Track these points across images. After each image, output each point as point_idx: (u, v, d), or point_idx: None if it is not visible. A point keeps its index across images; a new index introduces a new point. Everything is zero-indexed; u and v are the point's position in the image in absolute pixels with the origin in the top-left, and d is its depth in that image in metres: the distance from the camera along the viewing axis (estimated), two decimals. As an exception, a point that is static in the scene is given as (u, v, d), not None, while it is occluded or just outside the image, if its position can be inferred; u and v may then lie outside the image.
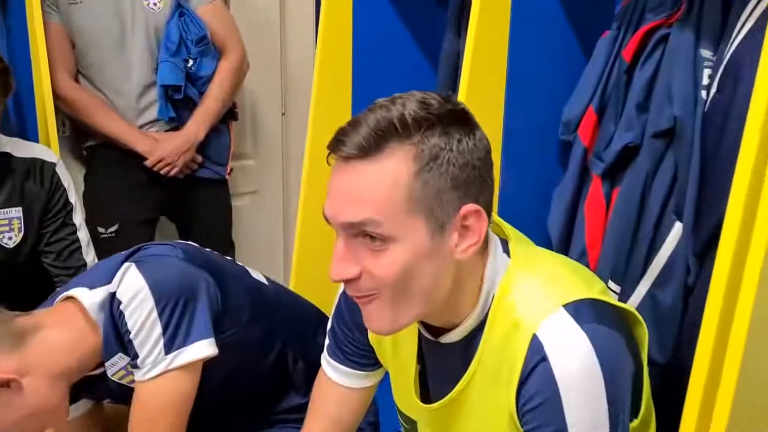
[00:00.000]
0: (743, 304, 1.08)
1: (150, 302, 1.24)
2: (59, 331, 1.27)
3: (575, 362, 0.93)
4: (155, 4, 2.16)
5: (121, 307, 1.25)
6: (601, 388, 0.93)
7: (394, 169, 0.91)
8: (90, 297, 1.27)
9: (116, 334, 1.27)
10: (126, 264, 1.27)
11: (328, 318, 1.25)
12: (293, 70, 2.73)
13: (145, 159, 2.17)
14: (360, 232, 0.93)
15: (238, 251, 2.48)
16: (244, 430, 1.48)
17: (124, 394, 1.33)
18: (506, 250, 1.03)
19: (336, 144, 0.93)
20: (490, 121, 1.59)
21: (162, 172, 2.19)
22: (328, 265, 0.97)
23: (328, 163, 0.96)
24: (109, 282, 1.27)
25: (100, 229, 2.15)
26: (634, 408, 1.04)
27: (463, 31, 1.80)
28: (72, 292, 1.30)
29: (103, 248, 2.02)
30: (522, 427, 0.98)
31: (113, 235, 2.16)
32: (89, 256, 1.90)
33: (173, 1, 2.18)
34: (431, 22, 2.00)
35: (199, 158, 2.26)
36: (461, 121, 0.95)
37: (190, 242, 1.44)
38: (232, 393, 1.42)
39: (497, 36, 1.55)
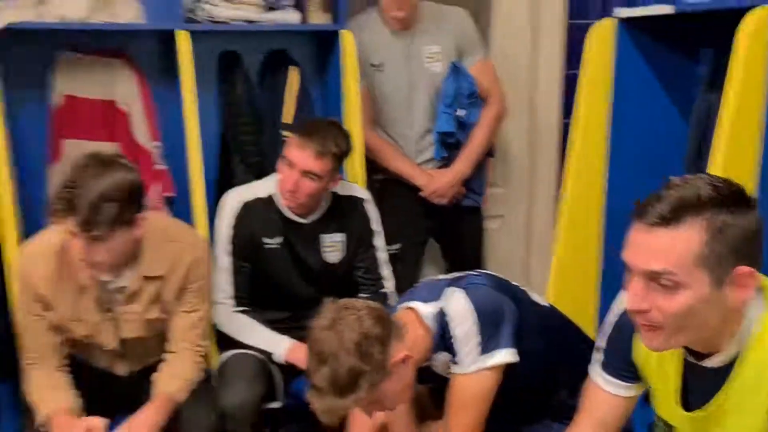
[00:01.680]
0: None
1: (473, 317, 1.63)
2: (415, 330, 1.66)
3: None
4: (437, 67, 2.56)
5: (447, 318, 1.65)
6: None
7: (688, 236, 1.14)
8: (424, 308, 1.69)
9: (442, 337, 1.67)
10: (452, 288, 1.68)
11: (583, 332, 1.53)
12: (540, 111, 3.03)
13: (421, 191, 2.58)
14: (655, 278, 1.16)
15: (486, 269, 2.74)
16: (525, 417, 1.83)
17: (435, 380, 1.73)
18: (760, 296, 1.25)
19: (643, 212, 1.17)
20: (744, 172, 1.81)
21: (434, 201, 2.59)
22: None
23: (629, 218, 1.20)
24: (438, 299, 1.69)
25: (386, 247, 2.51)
26: None
27: (716, 87, 2.00)
28: (411, 304, 1.71)
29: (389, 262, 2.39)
30: None
31: (396, 252, 2.55)
32: (386, 270, 2.33)
33: (450, 63, 2.58)
34: (685, 78, 2.23)
35: (464, 190, 2.64)
36: (742, 201, 1.16)
37: (492, 273, 1.83)
38: (520, 389, 1.72)
39: (754, 95, 1.77)
